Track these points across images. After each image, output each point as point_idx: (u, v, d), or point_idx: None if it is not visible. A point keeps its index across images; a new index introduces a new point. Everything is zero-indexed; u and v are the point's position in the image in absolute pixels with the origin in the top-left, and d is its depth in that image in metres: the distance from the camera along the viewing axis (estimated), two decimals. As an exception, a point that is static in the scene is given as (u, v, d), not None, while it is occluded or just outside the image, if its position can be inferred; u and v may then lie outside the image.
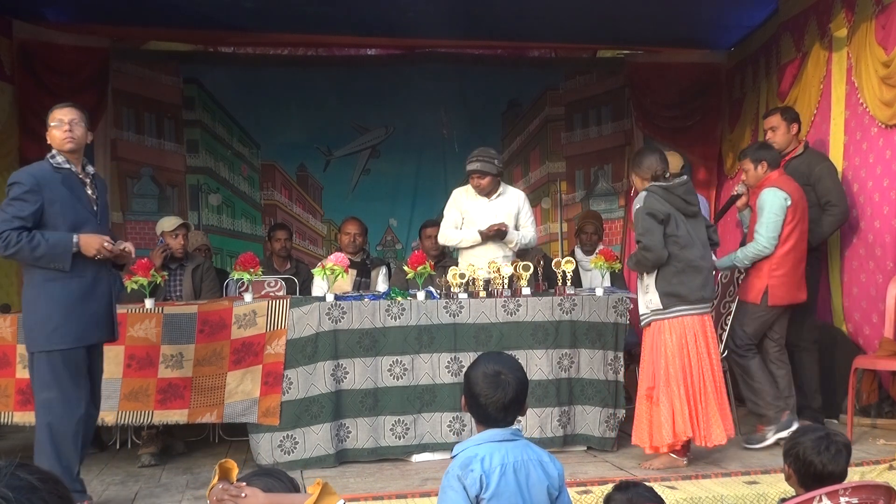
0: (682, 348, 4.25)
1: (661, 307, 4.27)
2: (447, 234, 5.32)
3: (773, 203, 4.70)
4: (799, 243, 4.80)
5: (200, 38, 7.52)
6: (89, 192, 3.84)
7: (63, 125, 3.77)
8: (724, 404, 4.28)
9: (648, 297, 4.31)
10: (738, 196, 5.16)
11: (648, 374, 4.33)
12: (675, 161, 5.48)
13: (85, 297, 3.74)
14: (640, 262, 4.29)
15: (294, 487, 1.93)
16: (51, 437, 3.66)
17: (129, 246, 3.90)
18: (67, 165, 3.78)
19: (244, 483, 1.85)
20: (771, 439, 4.59)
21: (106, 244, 3.70)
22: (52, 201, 3.69)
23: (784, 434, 4.42)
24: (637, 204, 4.31)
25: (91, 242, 3.68)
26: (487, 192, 5.21)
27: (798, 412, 4.96)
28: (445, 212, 5.38)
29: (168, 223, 5.50)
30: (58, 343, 3.68)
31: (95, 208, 3.84)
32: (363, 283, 5.90)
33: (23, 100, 6.44)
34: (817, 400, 5.09)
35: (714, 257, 4.49)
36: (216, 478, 1.88)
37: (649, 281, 4.31)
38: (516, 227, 5.24)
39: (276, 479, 1.90)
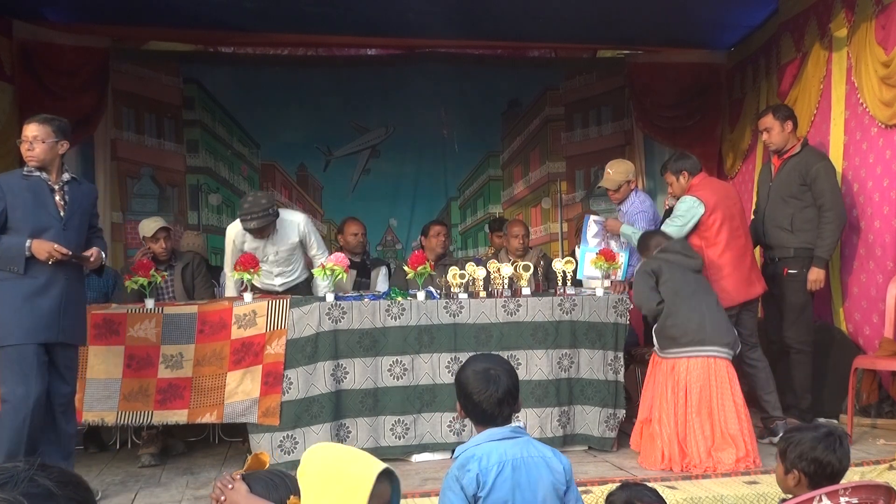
0: (673, 388, 4.32)
1: (658, 349, 4.49)
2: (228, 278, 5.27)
3: (682, 209, 4.89)
4: (732, 241, 4.85)
5: (200, 38, 7.52)
6: (57, 198, 3.94)
7: (24, 143, 3.93)
8: (717, 443, 4.24)
9: (654, 341, 4.56)
10: (672, 209, 5.21)
11: (647, 404, 4.47)
12: (624, 167, 5.51)
13: (34, 297, 3.82)
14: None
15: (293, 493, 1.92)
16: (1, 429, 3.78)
17: (94, 253, 3.98)
18: (37, 174, 3.93)
19: (239, 477, 1.90)
20: None
21: (56, 248, 3.78)
22: (14, 207, 3.86)
23: None
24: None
25: (42, 247, 3.79)
26: (266, 236, 5.03)
27: (785, 410, 4.96)
28: (226, 250, 5.22)
29: (147, 228, 5.36)
30: (5, 339, 3.79)
31: (62, 214, 3.93)
32: (363, 283, 5.90)
33: (23, 100, 6.43)
34: (806, 400, 5.10)
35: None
36: (246, 464, 1.98)
37: (653, 329, 4.57)
38: (308, 253, 5.22)
39: (274, 485, 1.90)
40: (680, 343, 4.35)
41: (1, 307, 3.84)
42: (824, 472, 2.46)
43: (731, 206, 4.90)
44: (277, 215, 4.99)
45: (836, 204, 5.05)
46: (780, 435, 4.47)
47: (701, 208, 4.81)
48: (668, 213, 5.36)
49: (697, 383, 4.29)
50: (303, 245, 5.19)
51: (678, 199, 5.04)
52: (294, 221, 5.12)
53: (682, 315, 4.37)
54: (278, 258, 5.10)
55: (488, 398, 2.38)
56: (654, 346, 4.54)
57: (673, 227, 4.86)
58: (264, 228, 4.91)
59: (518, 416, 4.62)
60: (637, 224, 5.23)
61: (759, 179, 5.54)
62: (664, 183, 5.62)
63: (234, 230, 5.06)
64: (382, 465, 1.77)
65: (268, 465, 1.99)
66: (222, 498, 1.86)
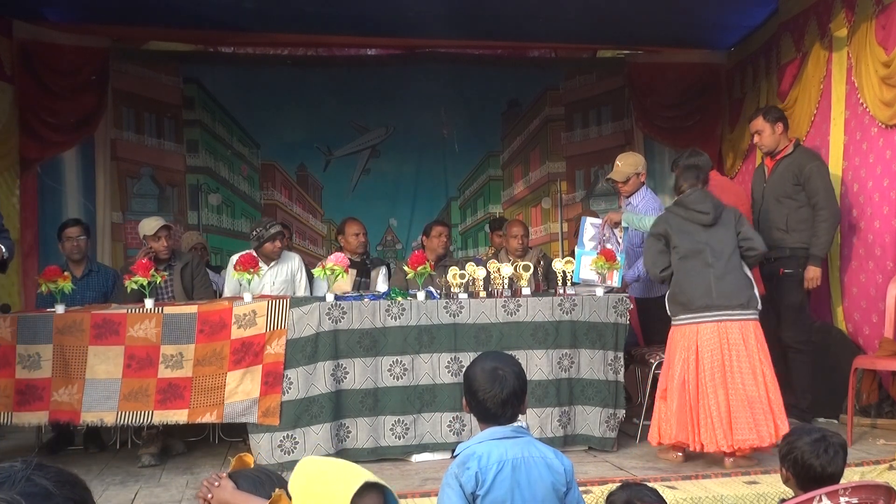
0: (684, 356, 4.30)
1: (671, 315, 4.44)
2: None
3: None
4: None
5: (200, 38, 7.52)
6: None
7: None
8: (734, 412, 4.20)
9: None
10: None
11: (664, 377, 4.45)
12: (634, 159, 5.53)
13: None
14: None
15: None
16: None
17: None
18: None
19: (225, 475, 1.93)
20: None
21: None
22: None
23: None
24: None
25: None
26: (279, 250, 5.39)
27: (786, 410, 4.96)
28: (227, 280, 5.48)
29: (148, 226, 5.32)
30: None
31: None
32: (363, 283, 5.90)
33: (23, 100, 6.44)
34: (806, 400, 5.11)
35: (745, 266, 4.45)
36: (231, 466, 2.01)
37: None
38: (298, 292, 5.40)
39: (260, 482, 1.92)
40: (690, 309, 4.33)
41: None
42: (808, 475, 2.54)
43: (737, 207, 4.90)
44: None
45: (831, 202, 5.08)
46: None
47: None
48: None
49: (709, 349, 4.25)
50: (293, 283, 5.45)
51: None
52: (293, 255, 5.62)
53: (688, 281, 4.35)
54: (273, 291, 5.21)
55: (493, 397, 2.38)
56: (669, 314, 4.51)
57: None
58: (282, 237, 5.38)
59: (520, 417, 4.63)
60: None
61: (753, 181, 5.54)
62: (664, 182, 5.62)
63: (237, 259, 5.21)
64: (363, 480, 1.76)
65: (253, 466, 2.01)
66: (209, 496, 1.88)
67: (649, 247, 4.55)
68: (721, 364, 4.23)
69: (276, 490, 1.84)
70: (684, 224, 4.43)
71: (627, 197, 5.52)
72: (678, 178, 4.79)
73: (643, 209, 5.31)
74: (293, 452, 4.44)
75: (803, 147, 5.35)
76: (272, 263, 5.35)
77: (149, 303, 4.61)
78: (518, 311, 4.69)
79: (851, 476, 3.62)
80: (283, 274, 5.39)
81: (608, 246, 5.16)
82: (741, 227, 4.46)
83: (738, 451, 4.21)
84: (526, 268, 4.86)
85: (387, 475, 4.30)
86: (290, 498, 1.79)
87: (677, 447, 4.38)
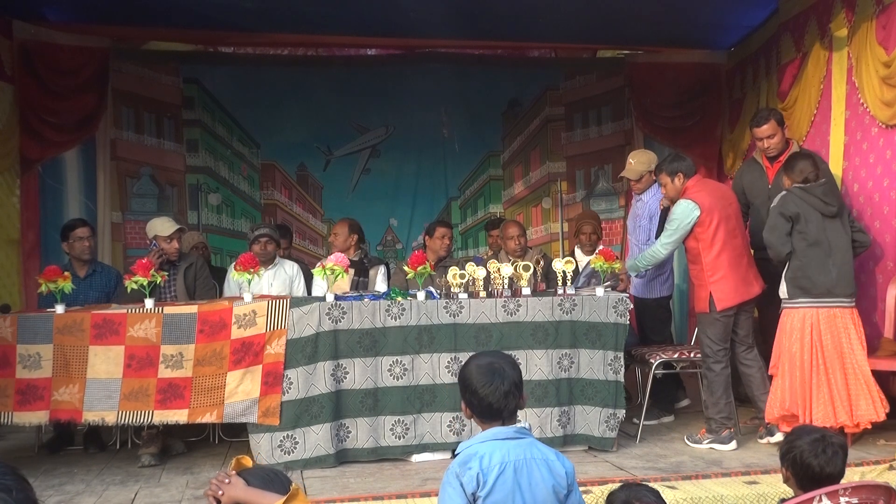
0: (800, 336, 4.57)
1: (787, 297, 4.66)
2: None
3: (677, 213, 4.84)
4: (729, 243, 4.83)
5: (200, 38, 7.52)
6: None
7: None
8: (853, 390, 4.50)
9: (781, 288, 4.70)
10: (667, 209, 5.19)
11: (774, 355, 4.71)
12: (647, 157, 5.60)
13: None
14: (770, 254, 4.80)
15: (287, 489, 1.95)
16: None
17: None
18: None
19: (234, 473, 1.94)
20: (705, 446, 4.81)
21: None
22: None
23: (718, 447, 4.76)
24: (773, 203, 4.75)
25: None
26: (268, 261, 5.44)
27: None
28: (226, 286, 5.57)
29: (162, 227, 5.29)
30: None
31: None
32: (361, 282, 5.89)
33: (23, 100, 6.44)
34: None
35: (846, 257, 4.65)
36: (231, 467, 2.01)
37: (783, 273, 4.70)
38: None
39: (270, 480, 1.93)
40: (811, 294, 4.57)
41: None
42: (806, 474, 2.56)
43: (726, 207, 4.90)
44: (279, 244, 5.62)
45: (843, 206, 5.17)
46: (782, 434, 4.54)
47: (696, 212, 4.77)
48: (665, 212, 5.35)
49: (829, 332, 4.54)
50: (290, 290, 5.47)
51: (672, 200, 5.01)
52: (291, 262, 5.69)
53: (815, 268, 4.58)
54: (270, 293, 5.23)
55: (494, 391, 2.37)
56: (783, 296, 4.68)
57: (666, 233, 4.88)
58: (268, 239, 5.40)
59: (520, 418, 4.63)
60: (657, 217, 5.36)
61: (748, 180, 5.47)
62: (663, 182, 5.62)
63: (238, 259, 5.25)
64: None
65: (248, 466, 2.03)
66: (220, 493, 1.88)
67: (778, 226, 4.64)
68: (840, 347, 4.53)
69: (294, 484, 1.84)
70: (810, 211, 4.61)
71: (639, 194, 5.56)
72: (668, 176, 4.94)
73: (654, 206, 5.38)
74: (293, 452, 4.44)
75: (806, 150, 5.38)
76: (269, 267, 5.35)
77: (149, 303, 4.61)
78: (518, 311, 4.69)
79: (851, 476, 3.62)
80: (280, 279, 5.40)
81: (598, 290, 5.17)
82: (853, 220, 4.81)
83: (858, 426, 4.50)
84: (526, 268, 4.86)
85: (387, 475, 4.32)
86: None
87: (787, 420, 4.58)
